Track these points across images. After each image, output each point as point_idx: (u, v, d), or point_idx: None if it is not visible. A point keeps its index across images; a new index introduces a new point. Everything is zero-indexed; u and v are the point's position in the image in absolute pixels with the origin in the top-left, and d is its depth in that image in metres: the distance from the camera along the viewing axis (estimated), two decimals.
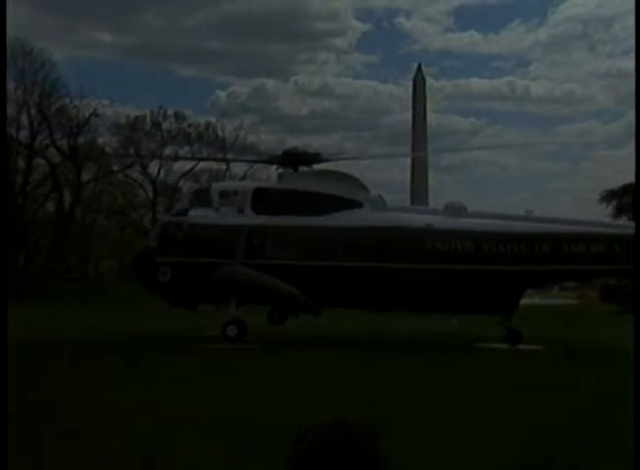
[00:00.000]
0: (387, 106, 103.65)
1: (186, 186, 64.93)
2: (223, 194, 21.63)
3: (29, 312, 30.70)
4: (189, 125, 65.56)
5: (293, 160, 22.04)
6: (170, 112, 65.04)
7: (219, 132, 66.46)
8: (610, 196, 50.67)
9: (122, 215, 66.66)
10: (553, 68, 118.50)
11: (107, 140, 63.50)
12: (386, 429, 2.31)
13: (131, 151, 62.95)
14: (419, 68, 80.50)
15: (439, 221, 20.89)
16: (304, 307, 21.50)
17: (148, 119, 64.31)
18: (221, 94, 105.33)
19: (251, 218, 21.04)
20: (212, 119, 67.05)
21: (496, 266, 20.36)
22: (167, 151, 65.12)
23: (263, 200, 21.36)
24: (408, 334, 25.44)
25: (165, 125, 64.61)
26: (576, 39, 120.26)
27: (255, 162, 23.65)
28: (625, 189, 48.05)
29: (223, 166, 71.11)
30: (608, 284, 48.56)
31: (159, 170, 65.16)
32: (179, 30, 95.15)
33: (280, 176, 22.52)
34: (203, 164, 66.97)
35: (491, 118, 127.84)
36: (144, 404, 11.93)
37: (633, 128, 22.64)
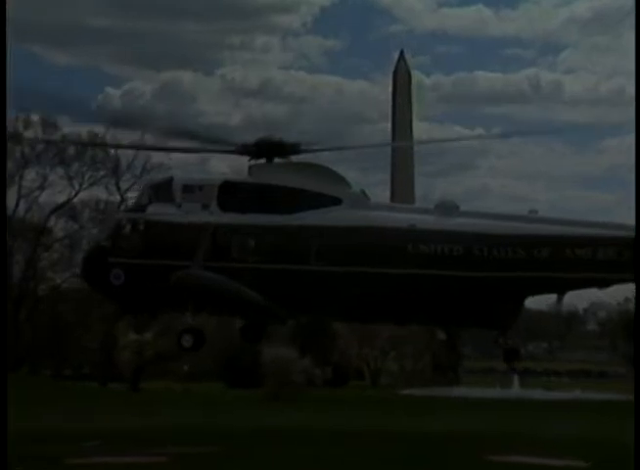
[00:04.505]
0: (356, 111, 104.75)
1: (58, 225, 64.44)
2: (187, 188, 25.56)
3: None
4: (63, 138, 65.26)
5: (267, 150, 25.84)
6: (36, 117, 64.60)
7: (110, 149, 66.42)
8: None
9: None
10: (595, 55, 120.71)
11: None
12: None
13: None
14: (402, 57, 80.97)
15: (426, 221, 24.84)
16: (271, 316, 25.64)
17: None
18: (113, 92, 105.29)
19: (217, 216, 24.97)
20: (100, 130, 66.81)
21: (489, 273, 24.21)
22: (31, 174, 64.88)
23: (231, 195, 25.36)
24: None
25: (29, 135, 64.29)
26: (628, 13, 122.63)
27: (224, 152, 26.77)
28: None
29: (116, 197, 71.29)
30: None
31: (17, 203, 64.23)
32: (50, 1, 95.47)
33: (250, 169, 26.23)
34: (85, 194, 66.34)
35: (507, 129, 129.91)
36: None
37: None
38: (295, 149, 26.11)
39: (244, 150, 26.28)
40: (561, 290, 27.57)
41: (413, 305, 25.12)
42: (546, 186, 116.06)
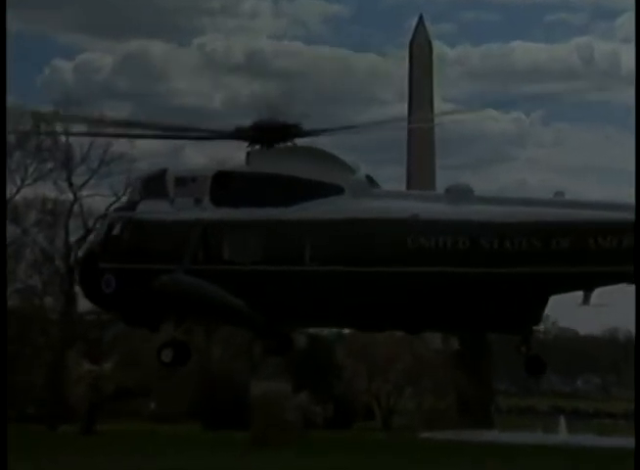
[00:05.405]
0: (365, 91, 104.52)
1: None
2: (180, 181, 27.35)
3: None
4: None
5: (266, 134, 27.28)
6: None
7: (62, 136, 66.19)
8: None
9: None
10: None
11: None
12: None
13: None
14: (420, 24, 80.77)
15: (431, 210, 25.91)
16: (252, 325, 27.29)
17: None
18: (64, 65, 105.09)
19: (208, 212, 26.74)
20: (47, 110, 66.59)
21: (499, 269, 24.92)
22: None
23: (225, 187, 26.97)
24: None
25: None
26: None
27: (218, 137, 28.38)
28: None
29: (68, 195, 71.00)
30: None
31: None
32: None
33: (249, 156, 27.72)
34: (28, 191, 66.39)
35: (550, 111, 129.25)
36: None
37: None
38: (298, 132, 27.17)
39: (239, 134, 27.42)
40: (586, 286, 28.18)
41: (416, 309, 25.84)
42: (598, 181, 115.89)
